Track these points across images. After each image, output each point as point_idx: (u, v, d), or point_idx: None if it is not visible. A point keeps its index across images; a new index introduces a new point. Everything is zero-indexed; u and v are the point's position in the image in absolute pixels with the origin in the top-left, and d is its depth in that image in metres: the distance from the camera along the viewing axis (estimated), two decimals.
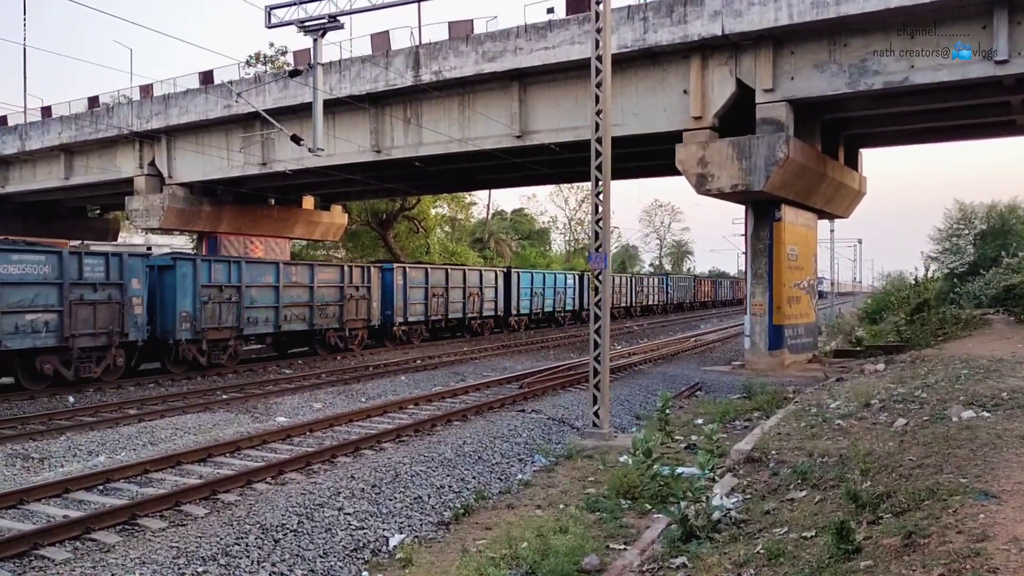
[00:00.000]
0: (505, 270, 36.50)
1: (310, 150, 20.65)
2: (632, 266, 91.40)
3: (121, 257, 17.79)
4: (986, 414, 8.77)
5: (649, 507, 8.50)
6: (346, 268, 25.31)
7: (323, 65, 21.14)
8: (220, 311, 20.25)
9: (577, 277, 42.17)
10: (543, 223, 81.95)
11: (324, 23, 19.43)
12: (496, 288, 34.47)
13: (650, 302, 54.23)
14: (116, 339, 17.50)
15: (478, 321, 33.46)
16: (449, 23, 23.66)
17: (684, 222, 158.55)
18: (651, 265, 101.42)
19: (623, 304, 48.40)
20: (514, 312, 35.89)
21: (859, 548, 5.25)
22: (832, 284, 59.07)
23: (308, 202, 38.18)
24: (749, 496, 7.86)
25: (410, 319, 28.59)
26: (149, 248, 28.53)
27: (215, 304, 20.08)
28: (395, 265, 28.51)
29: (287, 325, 22.52)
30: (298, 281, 23.00)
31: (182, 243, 47.30)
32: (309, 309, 23.33)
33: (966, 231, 37.75)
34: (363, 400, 16.44)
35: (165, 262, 19.61)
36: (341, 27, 19.54)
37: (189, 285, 19.46)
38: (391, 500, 8.89)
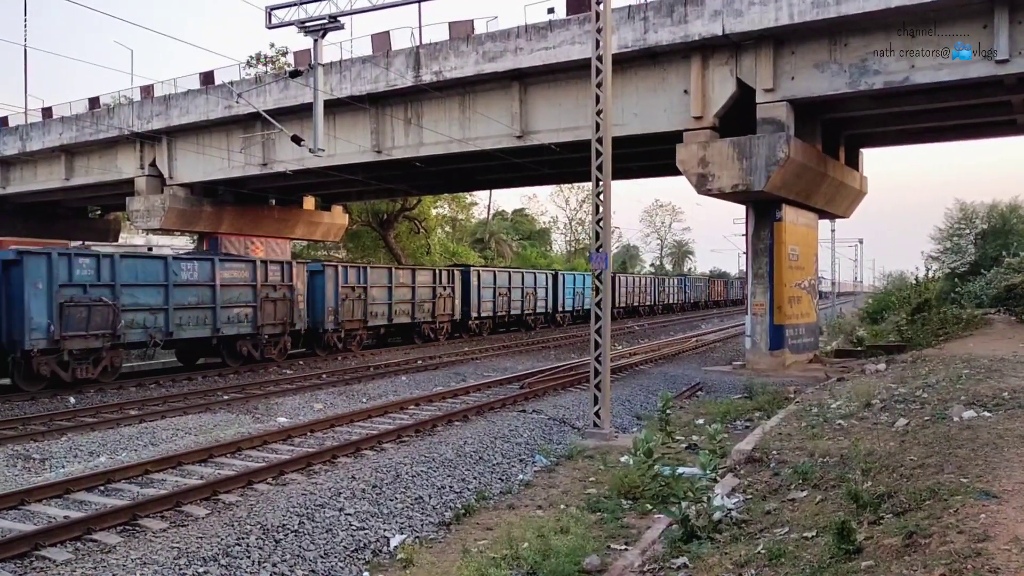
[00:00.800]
0: (553, 272, 40.79)
1: (311, 150, 20.66)
2: (633, 266, 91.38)
3: (292, 264, 23.06)
4: (987, 414, 8.77)
5: (650, 507, 8.50)
6: (437, 271, 30.29)
7: (324, 65, 21.14)
8: (353, 307, 25.35)
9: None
10: (544, 223, 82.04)
11: (324, 23, 19.43)
12: (546, 288, 38.84)
13: (670, 301, 59.72)
14: (287, 328, 22.52)
15: (532, 317, 37.89)
16: (449, 23, 23.67)
17: (685, 222, 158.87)
18: (652, 265, 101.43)
19: (648, 303, 53.95)
20: (560, 309, 40.34)
21: (860, 548, 5.24)
22: (833, 284, 58.96)
23: (309, 202, 38.18)
24: (750, 496, 7.86)
25: (483, 315, 33.19)
26: (150, 248, 28.56)
27: (350, 301, 25.17)
28: (471, 268, 33.27)
29: (396, 319, 27.62)
30: (404, 282, 27.94)
31: (183, 244, 47.29)
32: (411, 305, 28.29)
33: (967, 231, 37.67)
34: (364, 400, 16.45)
35: (316, 268, 24.62)
36: (341, 27, 19.54)
37: (333, 285, 24.34)
38: (392, 500, 8.89)
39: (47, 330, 16.28)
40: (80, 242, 36.03)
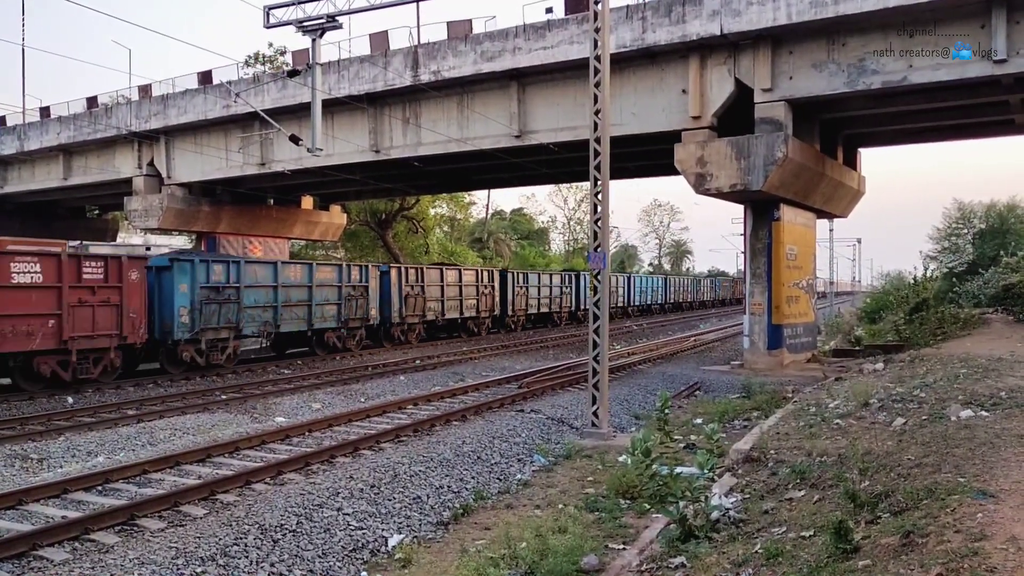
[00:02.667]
0: (628, 275, 52.97)
1: (309, 150, 20.65)
2: (631, 266, 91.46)
3: (494, 270, 33.89)
4: (984, 413, 8.77)
5: (648, 507, 8.50)
6: (565, 275, 41.58)
7: (322, 65, 21.10)
8: (521, 300, 35.95)
9: (662, 279, 60.55)
10: (542, 223, 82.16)
11: (322, 23, 19.41)
12: (621, 288, 49.22)
13: (704, 298, 71.24)
14: (491, 312, 33.58)
15: (612, 310, 50.09)
16: (448, 23, 23.66)
17: (683, 222, 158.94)
18: (650, 265, 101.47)
19: (688, 299, 65.39)
20: (631, 304, 51.17)
21: (857, 547, 5.25)
22: (831, 283, 58.91)
23: (307, 202, 38.16)
24: (748, 496, 7.86)
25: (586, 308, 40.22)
26: (148, 248, 28.53)
27: (520, 296, 35.54)
28: (581, 272, 42.14)
29: (542, 309, 38.43)
30: (545, 283, 38.70)
31: (181, 243, 47.22)
32: (550, 300, 39.10)
33: (965, 230, 37.73)
34: (362, 400, 16.44)
35: (504, 272, 35.12)
36: (340, 27, 19.52)
37: (512, 285, 34.98)
38: (390, 500, 8.89)
39: (399, 311, 27.53)
40: (78, 242, 35.74)
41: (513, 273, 35.78)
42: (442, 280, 30.13)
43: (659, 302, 56.76)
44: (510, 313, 35.14)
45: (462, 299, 31.32)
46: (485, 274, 33.45)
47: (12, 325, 15.24)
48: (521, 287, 36.03)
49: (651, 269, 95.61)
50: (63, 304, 16.04)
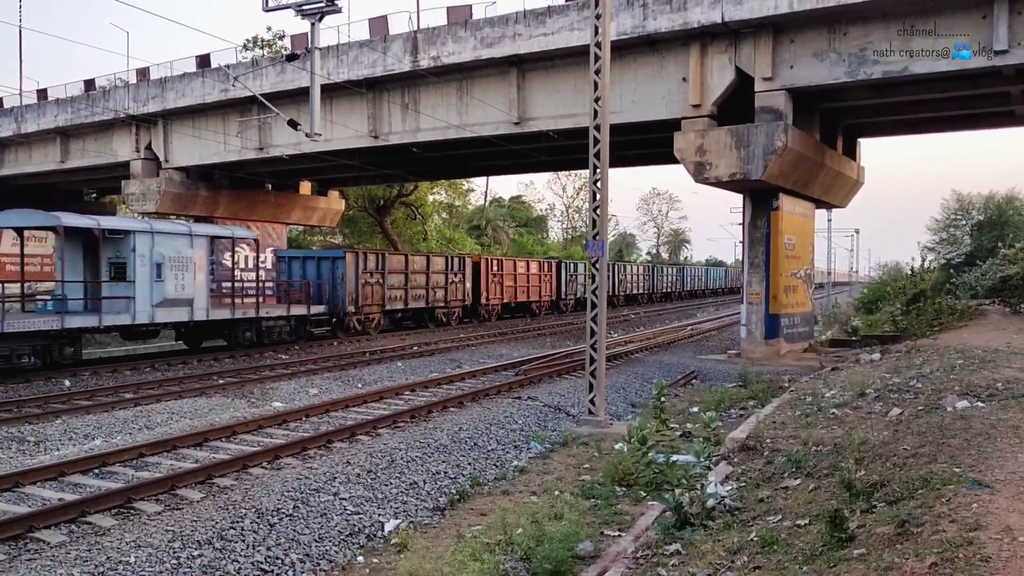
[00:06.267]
0: (706, 267, 71.50)
1: (307, 135, 20.57)
2: (629, 255, 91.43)
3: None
4: (980, 404, 8.80)
5: (644, 494, 8.53)
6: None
7: (320, 49, 20.99)
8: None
9: (724, 271, 76.30)
10: (541, 211, 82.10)
11: (322, 7, 19.29)
12: (700, 278, 63.93)
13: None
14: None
15: (700, 291, 67.81)
16: (448, 8, 23.53)
17: (682, 211, 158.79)
18: (648, 254, 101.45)
19: (736, 286, 74.42)
20: (708, 288, 68.88)
21: (852, 536, 5.27)
22: (829, 274, 58.84)
23: (305, 187, 38.00)
24: (743, 484, 7.89)
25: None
26: None
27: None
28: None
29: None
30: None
31: None
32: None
33: (963, 222, 37.73)
34: (359, 386, 16.46)
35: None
36: (339, 11, 19.42)
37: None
38: (387, 485, 8.91)
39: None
40: None
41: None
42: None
43: (716, 287, 73.49)
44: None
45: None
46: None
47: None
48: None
49: (649, 258, 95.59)
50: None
